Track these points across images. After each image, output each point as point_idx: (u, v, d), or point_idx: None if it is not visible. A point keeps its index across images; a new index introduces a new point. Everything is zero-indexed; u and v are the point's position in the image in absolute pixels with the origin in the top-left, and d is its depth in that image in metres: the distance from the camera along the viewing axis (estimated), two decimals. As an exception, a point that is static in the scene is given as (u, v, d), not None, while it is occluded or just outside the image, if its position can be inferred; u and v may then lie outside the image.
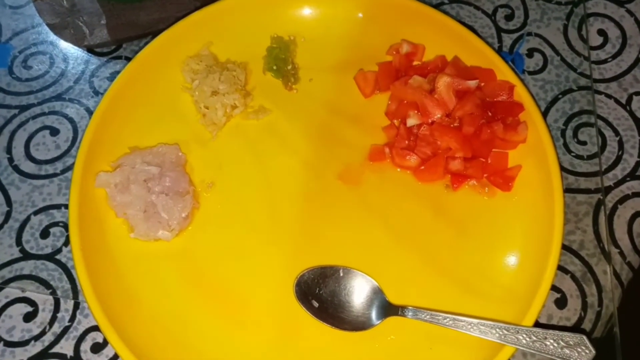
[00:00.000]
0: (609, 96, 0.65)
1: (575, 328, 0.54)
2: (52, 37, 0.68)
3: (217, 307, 0.53)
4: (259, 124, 0.62)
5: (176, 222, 0.54)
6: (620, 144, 0.62)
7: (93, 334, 0.54)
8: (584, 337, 0.45)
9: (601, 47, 0.68)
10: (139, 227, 0.54)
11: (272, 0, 0.66)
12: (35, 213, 0.59)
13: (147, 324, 0.52)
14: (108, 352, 0.53)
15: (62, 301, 0.55)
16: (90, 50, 0.68)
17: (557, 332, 0.47)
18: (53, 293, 0.55)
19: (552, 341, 0.46)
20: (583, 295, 0.55)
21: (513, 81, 0.59)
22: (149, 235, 0.54)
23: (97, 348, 0.53)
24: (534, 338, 0.46)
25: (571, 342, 0.45)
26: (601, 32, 0.69)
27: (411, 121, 0.59)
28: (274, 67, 0.63)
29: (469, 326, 0.49)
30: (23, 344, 0.53)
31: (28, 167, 0.61)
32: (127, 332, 0.50)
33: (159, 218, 0.54)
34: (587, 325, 0.54)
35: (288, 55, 0.64)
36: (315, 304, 0.52)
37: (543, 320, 0.54)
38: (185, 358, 0.51)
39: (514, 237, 0.55)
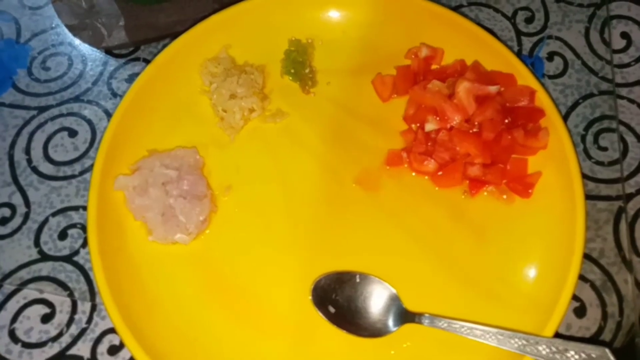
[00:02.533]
0: (631, 101, 0.64)
1: (595, 338, 0.53)
2: (71, 38, 0.69)
3: (233, 311, 0.53)
4: (277, 127, 0.62)
5: (194, 225, 0.54)
6: (643, 151, 0.61)
7: (110, 336, 0.54)
8: (607, 350, 0.44)
9: (624, 50, 0.67)
10: (157, 230, 0.54)
11: (290, 3, 0.65)
12: (54, 214, 0.59)
13: (164, 327, 0.52)
14: (125, 354, 0.53)
15: (79, 303, 0.55)
16: (108, 51, 0.68)
17: (579, 343, 0.45)
18: (70, 295, 0.56)
19: (573, 353, 0.45)
20: (603, 304, 0.54)
21: (534, 86, 0.59)
22: (167, 238, 0.54)
23: (113, 350, 0.53)
24: (555, 349, 0.46)
25: (593, 355, 0.44)
26: (624, 35, 0.68)
27: (429, 126, 0.58)
28: (292, 71, 0.63)
29: (487, 335, 0.48)
30: (40, 345, 0.54)
31: (46, 168, 0.61)
32: (143, 335, 0.50)
33: (177, 221, 0.54)
34: (607, 335, 0.53)
35: (306, 58, 0.64)
36: (332, 310, 0.52)
37: (561, 330, 0.53)
38: (201, 361, 0.51)
39: (533, 244, 0.55)
